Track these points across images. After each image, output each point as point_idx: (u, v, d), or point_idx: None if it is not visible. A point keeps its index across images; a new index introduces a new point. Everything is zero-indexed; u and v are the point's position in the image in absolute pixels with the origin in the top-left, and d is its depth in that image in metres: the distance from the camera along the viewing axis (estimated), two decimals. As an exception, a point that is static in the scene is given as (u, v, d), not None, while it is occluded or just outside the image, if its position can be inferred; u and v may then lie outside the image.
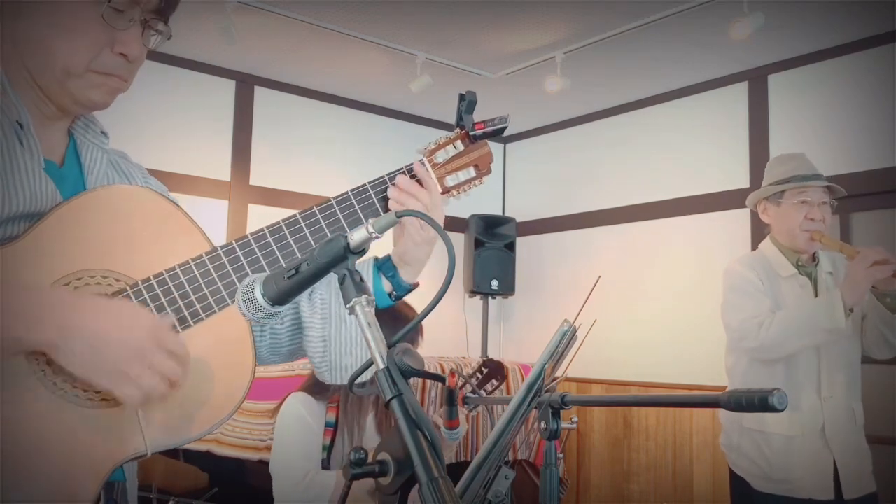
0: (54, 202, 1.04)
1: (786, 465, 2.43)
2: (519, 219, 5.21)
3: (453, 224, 5.03)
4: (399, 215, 0.96)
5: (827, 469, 2.40)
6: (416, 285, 1.26)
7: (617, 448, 4.57)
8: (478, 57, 4.17)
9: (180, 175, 4.21)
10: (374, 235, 0.97)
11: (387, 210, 1.24)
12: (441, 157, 1.30)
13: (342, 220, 1.20)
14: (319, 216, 1.19)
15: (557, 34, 3.84)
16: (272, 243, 1.15)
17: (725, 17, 3.42)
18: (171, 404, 1.03)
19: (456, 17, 3.68)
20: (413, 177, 1.26)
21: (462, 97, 1.29)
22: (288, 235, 1.16)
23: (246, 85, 4.52)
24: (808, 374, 2.45)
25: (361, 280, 0.97)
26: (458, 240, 5.04)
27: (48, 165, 1.07)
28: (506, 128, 1.29)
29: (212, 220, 4.30)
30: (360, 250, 0.98)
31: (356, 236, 0.96)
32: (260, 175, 4.52)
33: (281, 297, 1.04)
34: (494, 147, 5.61)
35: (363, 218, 1.22)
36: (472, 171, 1.32)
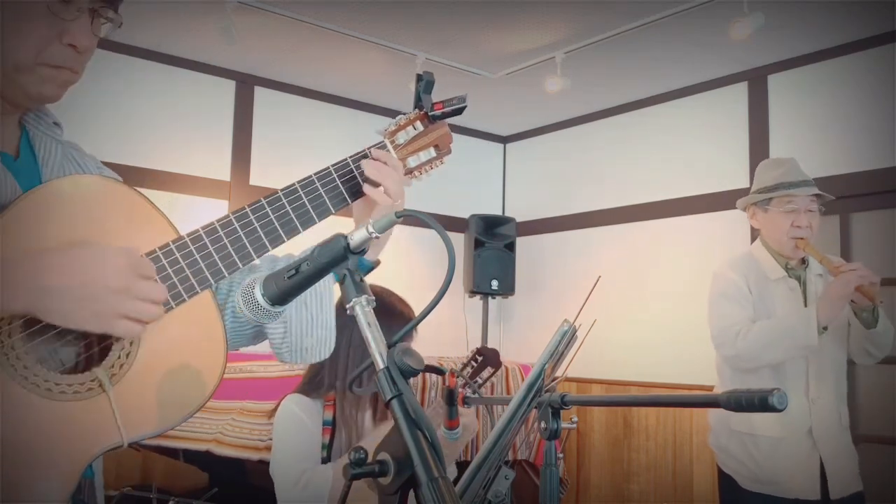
0: (15, 194, 1.02)
1: (773, 466, 2.45)
2: (519, 219, 5.21)
3: (453, 224, 5.03)
4: (399, 215, 0.97)
5: (814, 470, 2.43)
6: (377, 263, 1.26)
7: (617, 448, 4.57)
8: (478, 57, 4.17)
9: (180, 175, 4.20)
10: (373, 235, 0.97)
11: (353, 194, 1.25)
12: (402, 138, 1.30)
13: (307, 204, 1.20)
14: (284, 200, 1.18)
15: (557, 34, 3.84)
16: (238, 229, 1.14)
17: (725, 17, 3.42)
18: (146, 393, 1.03)
19: (456, 17, 3.68)
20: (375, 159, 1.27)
21: (420, 77, 1.29)
22: (254, 221, 1.15)
23: (246, 85, 4.52)
24: (795, 376, 2.47)
25: (361, 280, 0.97)
26: (458, 240, 5.04)
27: (3, 158, 1.06)
28: (464, 107, 1.29)
29: (212, 220, 4.30)
30: (360, 250, 0.98)
31: (356, 236, 0.97)
32: (260, 175, 4.52)
33: (281, 297, 1.05)
34: (495, 147, 5.64)
35: (327, 201, 1.21)
36: (432, 152, 1.32)
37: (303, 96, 4.72)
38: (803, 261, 2.60)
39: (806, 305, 2.51)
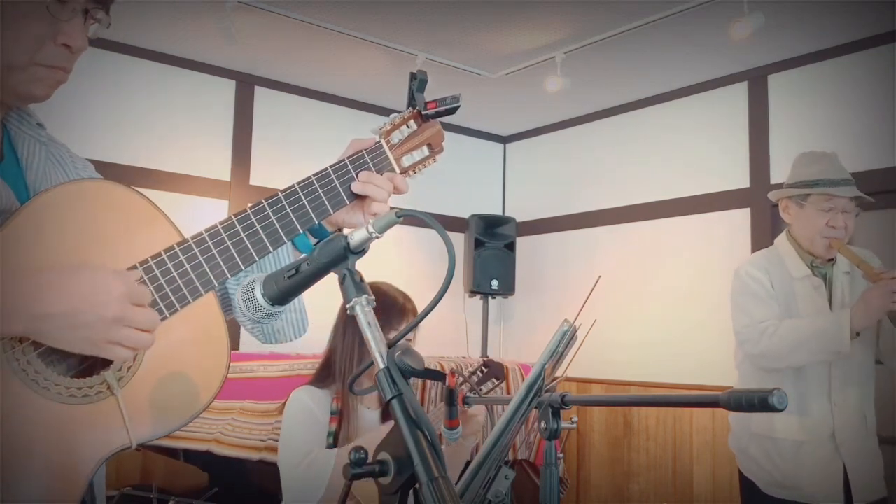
0: (9, 198, 1.03)
1: (795, 470, 2.38)
2: (519, 219, 5.21)
3: (453, 224, 5.03)
4: (399, 215, 0.97)
5: (837, 474, 2.35)
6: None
7: (617, 448, 4.57)
8: (478, 57, 4.17)
9: (180, 175, 4.20)
10: (374, 235, 0.97)
11: (350, 195, 1.25)
12: (397, 137, 1.31)
13: (307, 205, 1.20)
14: (285, 202, 1.19)
15: (557, 34, 3.84)
16: (241, 231, 1.15)
17: (725, 17, 3.42)
18: (152, 394, 1.04)
19: (456, 17, 3.68)
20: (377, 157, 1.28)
21: (413, 76, 1.30)
22: (256, 223, 1.16)
23: (246, 85, 4.52)
24: (818, 377, 2.38)
25: (362, 280, 0.97)
26: (458, 240, 5.04)
27: None
28: (458, 107, 1.29)
29: (212, 220, 4.26)
30: (360, 250, 0.98)
31: (356, 236, 0.97)
32: (260, 175, 4.52)
33: (281, 297, 1.05)
34: (495, 147, 5.64)
35: (326, 202, 1.22)
36: (425, 151, 1.32)
37: (303, 96, 4.71)
38: (831, 259, 2.50)
39: (831, 305, 2.41)
